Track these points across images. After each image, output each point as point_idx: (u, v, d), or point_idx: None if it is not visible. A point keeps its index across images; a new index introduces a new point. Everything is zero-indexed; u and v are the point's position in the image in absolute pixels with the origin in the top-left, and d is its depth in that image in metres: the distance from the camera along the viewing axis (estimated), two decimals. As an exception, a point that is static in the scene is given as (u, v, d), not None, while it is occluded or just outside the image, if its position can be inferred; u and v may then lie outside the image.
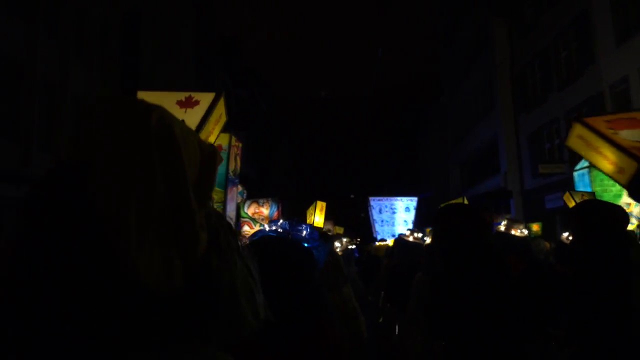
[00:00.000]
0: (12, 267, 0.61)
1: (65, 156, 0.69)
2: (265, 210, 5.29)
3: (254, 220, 4.89)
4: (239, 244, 0.79)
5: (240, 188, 4.39)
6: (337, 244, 7.74)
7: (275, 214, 5.36)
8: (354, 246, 14.83)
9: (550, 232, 12.14)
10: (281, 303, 1.37)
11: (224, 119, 2.98)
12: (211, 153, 0.75)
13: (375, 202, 13.12)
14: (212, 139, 2.85)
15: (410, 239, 6.42)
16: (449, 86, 32.60)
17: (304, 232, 1.98)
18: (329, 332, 1.59)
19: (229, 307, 0.71)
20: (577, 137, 2.99)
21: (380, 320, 6.08)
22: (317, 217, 9.47)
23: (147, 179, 0.65)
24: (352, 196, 57.06)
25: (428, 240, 6.66)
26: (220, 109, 2.90)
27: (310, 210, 10.51)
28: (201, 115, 2.75)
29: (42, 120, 14.85)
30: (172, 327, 0.65)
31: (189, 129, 0.76)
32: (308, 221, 8.58)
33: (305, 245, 1.88)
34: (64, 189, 0.65)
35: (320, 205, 10.96)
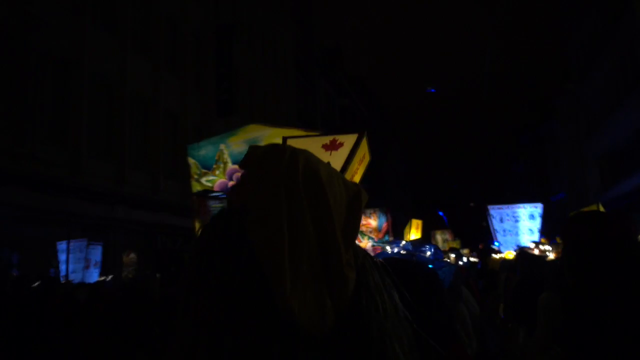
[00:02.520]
0: (186, 294, 0.71)
1: (229, 201, 0.78)
2: (373, 222, 5.27)
3: (362, 233, 4.88)
4: (388, 280, 0.79)
5: None
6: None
7: (385, 225, 5.27)
8: (475, 259, 13.80)
9: None
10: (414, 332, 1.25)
11: (367, 158, 3.06)
12: (356, 193, 0.78)
13: (495, 211, 12.40)
14: (356, 179, 2.92)
15: (536, 252, 6.01)
16: (577, 69, 28.47)
17: (428, 253, 2.10)
18: (464, 357, 1.59)
19: (379, 347, 0.70)
20: None
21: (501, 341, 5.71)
22: (414, 236, 9.24)
23: (298, 221, 0.69)
24: (471, 204, 53.04)
25: (551, 255, 6.32)
26: (364, 149, 2.98)
27: (406, 229, 10.49)
28: (345, 156, 2.84)
29: (135, 137, 14.75)
30: None
31: (334, 170, 0.81)
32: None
33: (431, 267, 1.88)
34: (227, 233, 0.71)
35: (416, 224, 10.94)
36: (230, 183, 5.95)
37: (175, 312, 0.71)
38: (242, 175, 0.78)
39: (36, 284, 6.72)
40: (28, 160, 10.78)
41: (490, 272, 9.96)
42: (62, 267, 9.79)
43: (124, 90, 14.13)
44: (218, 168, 5.81)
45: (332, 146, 2.91)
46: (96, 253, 10.30)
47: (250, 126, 5.78)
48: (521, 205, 12.33)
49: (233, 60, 19.11)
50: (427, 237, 16.64)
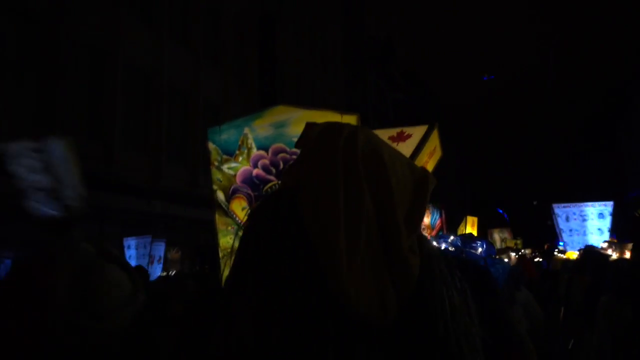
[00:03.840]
0: (235, 272, 0.67)
1: (283, 182, 0.73)
2: (426, 218, 5.13)
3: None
4: (459, 274, 0.74)
5: None
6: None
7: (438, 222, 5.17)
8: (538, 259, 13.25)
9: None
10: None
11: (438, 152, 2.96)
12: (423, 177, 0.73)
13: (560, 210, 12.17)
14: None
15: (609, 252, 5.90)
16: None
17: (480, 249, 2.00)
18: None
19: (444, 346, 0.64)
20: None
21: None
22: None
23: (355, 200, 0.64)
24: (534, 202, 50.12)
25: (614, 255, 6.04)
26: (434, 142, 2.90)
27: (461, 226, 10.12)
28: (413, 146, 2.73)
29: (173, 130, 14.36)
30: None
31: (398, 152, 0.75)
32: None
33: (482, 263, 1.83)
34: (277, 213, 0.67)
35: (472, 221, 10.61)
36: (256, 171, 5.72)
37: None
38: (298, 156, 0.72)
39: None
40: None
41: (553, 273, 9.57)
42: (131, 262, 10.31)
43: (161, 81, 13.74)
44: (241, 154, 5.27)
45: (400, 138, 2.77)
46: (159, 249, 10.65)
47: (277, 108, 5.41)
48: (589, 203, 12.07)
49: (277, 52, 18.46)
50: (483, 236, 16.00)
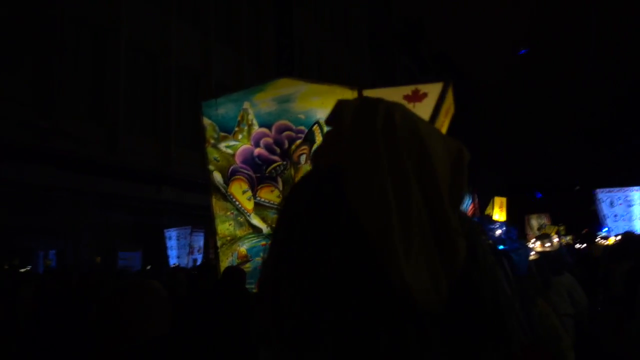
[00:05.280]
0: (275, 266, 0.64)
1: (315, 164, 0.71)
2: None
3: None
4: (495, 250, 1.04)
5: None
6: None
7: (471, 206, 5.23)
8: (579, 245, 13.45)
9: None
10: None
11: (452, 110, 2.86)
12: (459, 150, 0.70)
13: (604, 195, 11.92)
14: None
15: None
16: None
17: (498, 232, 1.97)
18: None
19: (494, 325, 0.64)
20: None
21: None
22: (497, 216, 8.89)
23: (402, 182, 0.63)
24: (577, 187, 47.90)
25: None
26: (449, 100, 2.80)
27: (488, 208, 9.85)
28: (431, 107, 2.63)
29: (182, 113, 13.67)
30: (434, 349, 0.61)
31: (433, 127, 0.72)
32: (487, 221, 7.49)
33: (501, 247, 1.77)
34: (319, 200, 0.65)
35: (500, 202, 10.51)
36: (257, 150, 4.86)
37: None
38: (328, 134, 0.70)
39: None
40: (58, 136, 9.99)
41: (595, 259, 9.62)
42: (172, 252, 10.73)
43: (169, 60, 13.05)
44: (241, 131, 4.82)
45: (415, 97, 2.67)
46: (199, 240, 11.22)
47: (281, 80, 4.82)
48: (635, 188, 11.97)
49: (296, 30, 17.55)
50: (519, 221, 15.29)
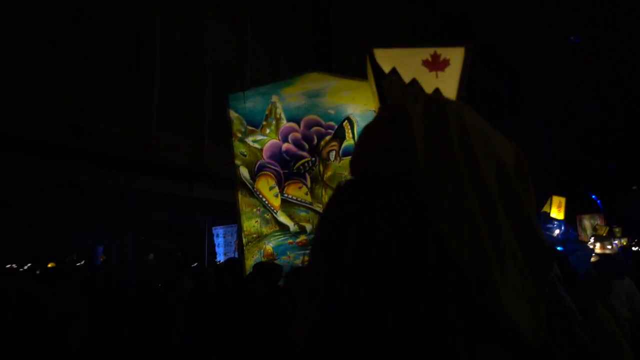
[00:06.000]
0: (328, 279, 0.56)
1: (363, 168, 0.62)
2: None
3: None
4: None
5: None
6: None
7: None
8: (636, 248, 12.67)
9: None
10: None
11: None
12: (519, 155, 0.63)
13: None
14: None
15: None
16: None
17: (556, 231, 1.06)
18: None
19: (588, 348, 0.63)
20: None
21: None
22: (555, 216, 8.26)
23: (486, 200, 0.56)
24: (634, 187, 45.49)
25: None
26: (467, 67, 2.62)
27: (545, 207, 9.13)
28: (456, 79, 2.43)
29: (217, 110, 13.63)
30: None
31: (494, 130, 0.66)
32: (544, 222, 7.94)
33: (559, 249, 1.56)
34: (395, 217, 0.55)
35: (558, 201, 9.53)
36: (285, 145, 4.72)
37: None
38: (379, 139, 0.61)
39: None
40: (94, 135, 10.11)
41: None
42: (220, 250, 10.97)
43: (203, 59, 13.03)
44: (269, 125, 4.68)
45: (436, 64, 2.42)
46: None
47: (311, 75, 4.66)
48: None
49: (334, 27, 17.24)
50: (572, 221, 14.55)
